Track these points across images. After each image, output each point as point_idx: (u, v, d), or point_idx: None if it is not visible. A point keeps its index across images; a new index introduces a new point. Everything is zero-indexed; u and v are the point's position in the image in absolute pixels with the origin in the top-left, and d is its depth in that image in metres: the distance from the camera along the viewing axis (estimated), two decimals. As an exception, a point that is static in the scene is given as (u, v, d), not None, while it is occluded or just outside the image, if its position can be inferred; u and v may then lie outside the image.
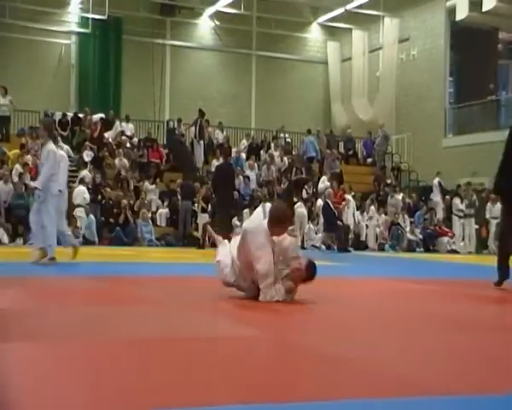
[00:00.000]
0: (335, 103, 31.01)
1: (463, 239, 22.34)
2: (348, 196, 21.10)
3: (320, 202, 20.78)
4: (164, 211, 21.35)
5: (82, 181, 20.07)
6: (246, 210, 20.60)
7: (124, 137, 24.10)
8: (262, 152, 25.72)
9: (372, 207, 22.39)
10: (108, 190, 20.80)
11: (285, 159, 25.16)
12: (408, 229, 22.22)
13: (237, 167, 22.49)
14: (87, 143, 22.93)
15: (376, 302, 6.58)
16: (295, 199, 21.64)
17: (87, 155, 22.29)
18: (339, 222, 19.78)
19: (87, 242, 18.66)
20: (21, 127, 23.81)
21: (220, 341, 4.04)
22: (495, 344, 4.27)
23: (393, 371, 3.27)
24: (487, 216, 22.08)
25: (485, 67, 27.14)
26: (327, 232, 20.11)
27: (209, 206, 20.06)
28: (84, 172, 20.92)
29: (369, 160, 27.50)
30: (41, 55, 26.97)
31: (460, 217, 22.28)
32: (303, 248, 16.94)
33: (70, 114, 24.48)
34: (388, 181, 25.55)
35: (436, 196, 23.89)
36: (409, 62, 28.21)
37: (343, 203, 20.50)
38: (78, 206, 19.35)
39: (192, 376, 3.07)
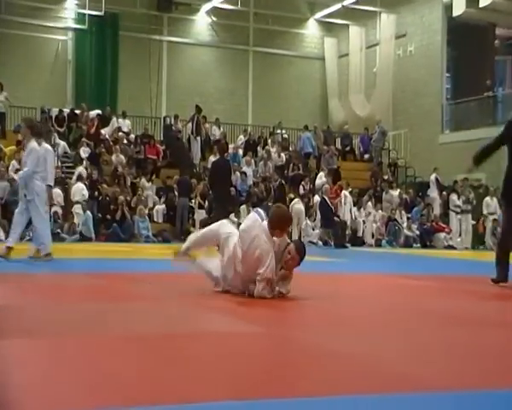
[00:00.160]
0: (332, 99, 31.01)
1: (460, 235, 22.39)
2: (345, 192, 21.11)
3: (317, 198, 20.79)
4: (161, 207, 21.35)
5: (80, 178, 20.07)
6: (243, 206, 20.61)
7: (120, 134, 24.08)
8: (259, 148, 25.71)
9: (369, 203, 22.41)
10: (105, 186, 20.78)
11: (282, 155, 25.15)
12: (405, 225, 22.24)
13: (234, 163, 22.48)
14: (84, 139, 22.91)
15: (374, 298, 6.58)
16: (292, 195, 21.66)
17: (84, 152, 22.27)
18: (336, 218, 19.79)
19: (84, 238, 18.67)
20: (18, 123, 23.68)
21: (218, 337, 4.03)
22: (494, 340, 4.27)
23: (393, 368, 3.27)
24: (484, 212, 22.14)
25: (482, 63, 27.13)
26: (324, 228, 20.12)
27: (206, 202, 20.05)
28: (80, 169, 20.91)
29: (366, 156, 27.51)
30: (37, 51, 26.91)
31: (457, 213, 22.32)
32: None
33: (66, 111, 24.44)
34: (385, 177, 25.56)
35: (433, 192, 23.91)
36: (406, 58, 28.20)
37: (338, 198, 20.51)
38: (77, 202, 19.36)
39: (190, 372, 3.06)
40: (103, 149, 22.94)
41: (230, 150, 23.63)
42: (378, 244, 21.37)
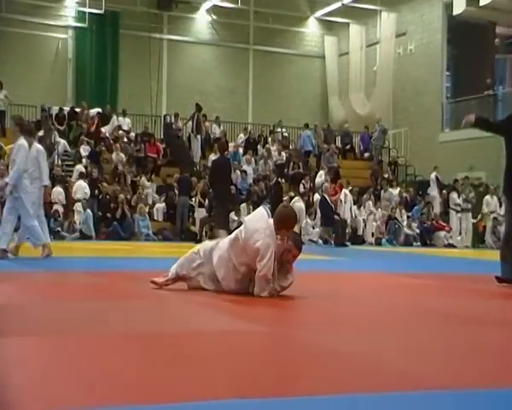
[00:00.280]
0: (332, 98, 31.00)
1: (460, 233, 22.39)
2: (345, 191, 21.11)
3: (317, 197, 20.79)
4: (161, 206, 21.35)
5: (82, 176, 20.08)
6: (243, 205, 20.61)
7: (121, 132, 24.08)
8: (259, 147, 25.71)
9: (370, 202, 22.41)
10: (105, 184, 20.80)
11: (283, 153, 25.15)
12: (405, 223, 22.24)
13: (234, 162, 22.48)
14: (84, 137, 22.92)
15: (374, 297, 6.58)
16: (292, 194, 21.64)
17: (84, 150, 22.28)
18: (336, 216, 19.79)
19: (84, 236, 18.68)
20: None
21: (218, 335, 4.03)
22: (494, 339, 4.27)
23: (392, 367, 3.27)
24: (485, 211, 22.13)
25: (483, 62, 27.12)
26: (324, 227, 20.11)
27: (206, 200, 20.06)
28: (79, 166, 20.91)
29: (367, 154, 27.51)
30: (38, 50, 26.91)
31: (457, 211, 22.33)
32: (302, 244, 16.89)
33: (67, 109, 24.45)
34: (385, 175, 25.56)
35: (433, 191, 23.92)
36: (406, 57, 28.19)
37: (337, 196, 20.50)
38: (79, 200, 19.36)
39: (190, 370, 3.06)
40: (103, 147, 22.95)
41: (231, 149, 23.61)
42: (378, 243, 21.37)
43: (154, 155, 23.59)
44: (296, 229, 20.08)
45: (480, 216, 22.51)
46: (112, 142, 23.23)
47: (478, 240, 22.43)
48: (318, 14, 30.70)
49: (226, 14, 29.03)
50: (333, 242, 19.51)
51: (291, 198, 20.87)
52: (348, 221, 20.88)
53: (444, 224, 22.59)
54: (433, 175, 24.01)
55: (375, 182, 25.11)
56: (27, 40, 26.32)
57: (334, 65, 31.22)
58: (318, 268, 10.17)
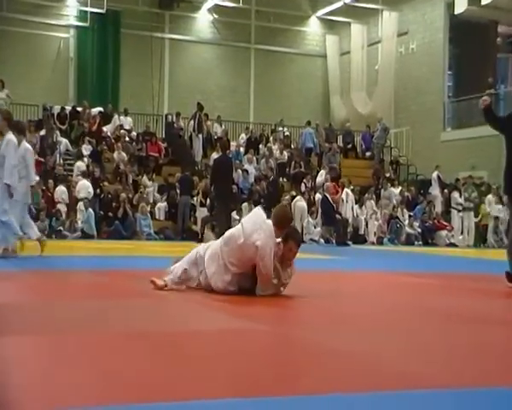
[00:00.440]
0: (334, 97, 30.99)
1: (462, 233, 22.37)
2: (347, 190, 21.09)
3: (318, 196, 20.77)
4: (163, 205, 21.36)
5: (84, 175, 20.08)
6: (244, 204, 20.62)
7: (122, 131, 24.08)
8: (261, 146, 25.71)
9: (371, 201, 22.39)
10: (107, 183, 20.81)
11: (284, 152, 25.15)
12: (407, 222, 22.23)
13: (236, 161, 22.48)
14: (86, 136, 22.92)
15: (376, 296, 6.57)
16: (294, 193, 21.66)
17: (85, 149, 22.29)
18: (337, 216, 19.77)
19: (86, 235, 18.68)
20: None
21: (219, 335, 4.03)
22: (496, 338, 4.26)
23: (393, 366, 3.27)
24: (486, 210, 22.10)
25: (484, 61, 27.09)
26: (325, 226, 20.11)
27: (208, 200, 20.06)
28: (79, 164, 20.90)
29: (368, 153, 27.48)
30: (39, 49, 26.92)
31: (459, 210, 22.30)
32: (302, 241, 16.90)
33: (68, 108, 24.44)
34: (387, 175, 25.54)
35: (435, 190, 23.90)
36: (407, 56, 28.17)
37: (338, 194, 20.49)
38: (82, 200, 19.35)
39: (190, 369, 3.06)
40: (105, 146, 22.96)
41: (232, 148, 23.61)
42: (380, 242, 21.36)
43: (155, 154, 23.60)
44: (299, 228, 20.12)
45: (480, 216, 22.48)
46: (113, 141, 23.24)
47: (480, 239, 22.40)
48: (320, 13, 30.69)
49: (228, 14, 29.02)
50: (334, 241, 19.50)
51: (293, 197, 20.89)
52: (350, 220, 20.86)
53: (445, 223, 22.58)
54: (434, 174, 23.99)
55: (377, 181, 25.08)
56: (29, 39, 26.34)
57: (335, 64, 31.21)
58: (320, 267, 10.17)
